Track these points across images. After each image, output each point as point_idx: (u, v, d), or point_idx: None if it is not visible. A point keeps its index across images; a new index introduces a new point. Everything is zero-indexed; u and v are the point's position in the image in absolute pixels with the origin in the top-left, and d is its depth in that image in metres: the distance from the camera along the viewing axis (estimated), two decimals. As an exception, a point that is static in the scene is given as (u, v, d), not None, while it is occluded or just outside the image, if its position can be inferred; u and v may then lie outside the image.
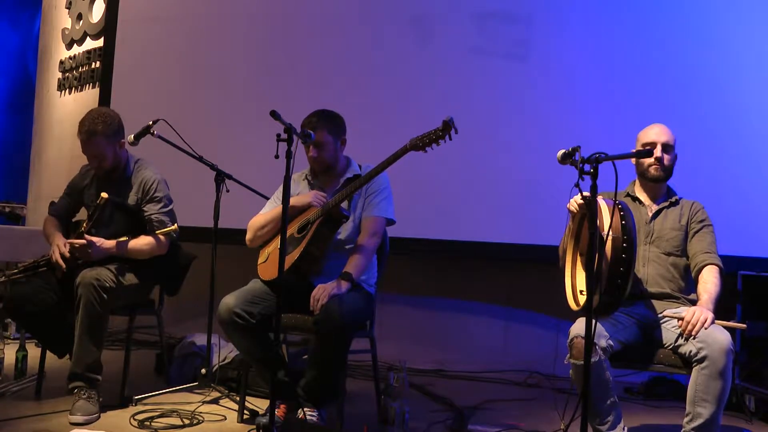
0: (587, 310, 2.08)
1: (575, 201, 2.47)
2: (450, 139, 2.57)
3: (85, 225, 2.93)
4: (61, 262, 2.84)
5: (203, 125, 4.39)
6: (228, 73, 4.64)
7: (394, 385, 2.62)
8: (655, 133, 2.64)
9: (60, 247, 2.87)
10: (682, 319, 2.37)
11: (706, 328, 2.30)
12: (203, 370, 3.20)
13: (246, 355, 2.79)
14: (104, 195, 2.89)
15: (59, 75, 6.05)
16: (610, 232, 2.29)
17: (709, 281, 2.49)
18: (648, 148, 2.60)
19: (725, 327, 2.36)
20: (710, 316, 2.33)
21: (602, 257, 2.28)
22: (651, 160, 2.62)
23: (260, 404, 2.93)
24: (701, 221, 2.64)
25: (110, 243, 2.89)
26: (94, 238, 2.85)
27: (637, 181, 2.75)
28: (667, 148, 2.63)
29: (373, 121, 4.12)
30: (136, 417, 2.73)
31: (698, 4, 4.10)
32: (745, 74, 4.01)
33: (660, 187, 2.70)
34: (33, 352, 3.35)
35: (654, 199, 2.71)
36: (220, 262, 3.25)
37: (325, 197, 2.75)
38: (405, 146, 2.63)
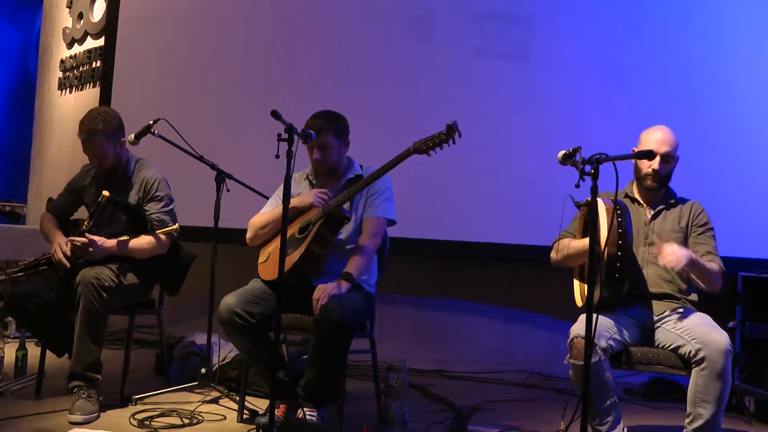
0: (588, 311, 2.09)
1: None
2: (453, 143, 2.56)
3: (86, 224, 2.93)
4: (65, 261, 2.83)
5: (203, 125, 4.39)
6: (228, 73, 4.64)
7: (394, 385, 2.62)
8: (657, 142, 2.59)
9: (61, 245, 2.87)
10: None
11: (673, 267, 2.36)
12: (203, 370, 3.20)
13: (246, 355, 2.79)
14: (106, 193, 2.89)
15: (60, 74, 6.05)
16: (609, 234, 2.31)
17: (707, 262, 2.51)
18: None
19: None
20: (685, 258, 2.36)
21: (601, 256, 2.29)
22: (648, 170, 2.61)
23: (260, 404, 2.93)
24: (703, 225, 2.64)
25: (111, 242, 2.89)
26: (96, 237, 2.85)
27: (635, 183, 2.75)
28: (667, 158, 2.60)
29: (374, 122, 4.12)
30: (135, 416, 2.73)
31: (698, 4, 4.10)
32: (746, 74, 4.00)
33: (657, 192, 2.70)
34: (33, 351, 3.35)
35: (652, 202, 2.71)
36: (220, 262, 3.25)
37: (326, 195, 2.74)
38: (408, 149, 2.62)
